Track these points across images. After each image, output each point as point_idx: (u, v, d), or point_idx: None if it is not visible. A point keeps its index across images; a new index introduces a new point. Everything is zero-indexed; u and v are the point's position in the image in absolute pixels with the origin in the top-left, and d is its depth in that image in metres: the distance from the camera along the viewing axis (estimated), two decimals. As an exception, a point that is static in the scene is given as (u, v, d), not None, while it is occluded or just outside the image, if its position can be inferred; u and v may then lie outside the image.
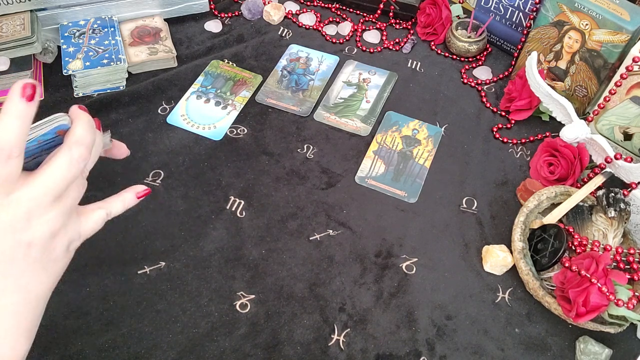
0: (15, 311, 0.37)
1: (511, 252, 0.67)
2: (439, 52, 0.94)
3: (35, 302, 0.38)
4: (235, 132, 0.81)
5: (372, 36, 0.96)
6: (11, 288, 0.37)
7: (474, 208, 0.74)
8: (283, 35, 0.96)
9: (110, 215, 0.44)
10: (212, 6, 0.98)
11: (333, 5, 1.01)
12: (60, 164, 0.37)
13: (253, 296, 0.65)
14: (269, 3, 0.98)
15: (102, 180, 0.72)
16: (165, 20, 0.94)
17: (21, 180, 0.35)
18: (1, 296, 0.36)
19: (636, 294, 0.60)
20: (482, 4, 0.91)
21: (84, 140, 0.38)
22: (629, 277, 0.62)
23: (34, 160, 0.38)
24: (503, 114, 0.85)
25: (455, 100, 0.87)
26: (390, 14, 0.98)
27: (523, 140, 0.82)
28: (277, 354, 0.60)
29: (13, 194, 0.35)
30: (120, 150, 0.47)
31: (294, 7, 1.00)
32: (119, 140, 0.46)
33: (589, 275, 0.58)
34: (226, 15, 0.98)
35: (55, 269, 0.39)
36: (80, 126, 0.38)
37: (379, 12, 0.98)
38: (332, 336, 0.62)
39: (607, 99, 0.73)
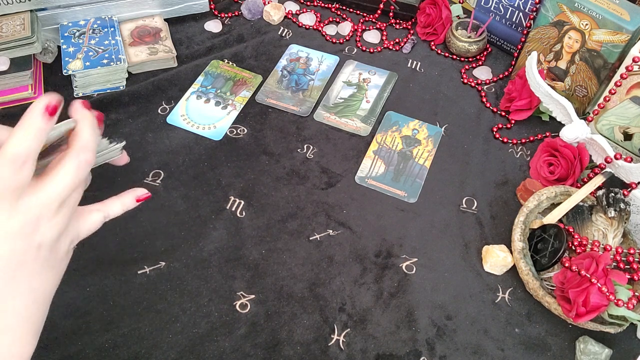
0: (25, 312, 0.38)
1: (511, 252, 0.67)
2: (439, 52, 0.94)
3: (43, 302, 0.40)
4: (235, 132, 0.81)
5: (372, 36, 0.96)
6: (22, 290, 0.38)
7: (474, 208, 0.74)
8: (283, 35, 0.96)
9: (108, 217, 0.45)
10: (212, 6, 0.98)
11: (333, 5, 1.01)
12: (68, 170, 0.38)
13: (253, 296, 0.65)
14: (269, 3, 0.98)
15: (102, 180, 0.71)
16: (165, 20, 0.94)
17: (31, 185, 0.36)
18: (13, 298, 0.37)
19: (636, 294, 0.60)
20: (482, 4, 0.91)
21: (90, 144, 0.39)
22: (629, 277, 0.62)
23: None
24: (503, 114, 0.85)
25: (455, 100, 0.87)
26: (390, 14, 0.98)
27: (523, 140, 0.82)
28: (277, 354, 0.60)
29: (24, 199, 0.36)
30: (121, 158, 0.49)
31: (294, 7, 1.00)
32: (122, 150, 0.48)
33: (589, 275, 0.58)
34: (226, 15, 0.98)
35: (60, 268, 0.41)
36: (86, 130, 0.40)
37: (379, 12, 0.98)
38: (332, 336, 0.62)
39: (607, 99, 0.73)
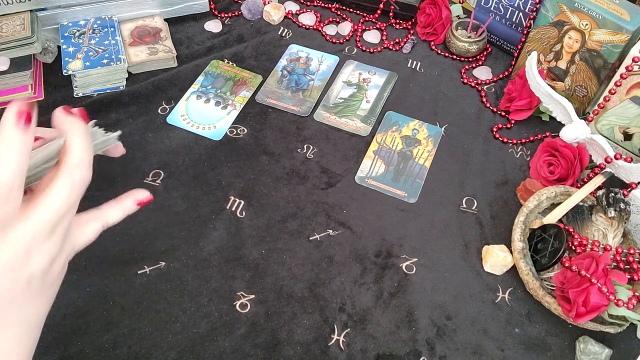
0: (17, 341, 0.36)
1: (511, 252, 0.67)
2: (439, 52, 0.94)
3: (36, 327, 0.38)
4: (235, 132, 0.81)
5: (372, 36, 0.96)
6: (12, 321, 0.35)
7: (474, 208, 0.74)
8: (283, 35, 0.96)
9: (107, 225, 0.41)
10: (212, 6, 0.98)
11: (333, 5, 1.01)
12: (60, 191, 0.34)
13: (253, 296, 0.65)
14: (269, 3, 0.98)
15: (101, 181, 0.72)
16: (165, 20, 0.94)
17: (20, 212, 0.33)
18: (3, 332, 0.35)
19: (636, 294, 0.60)
20: (482, 4, 0.91)
21: (84, 160, 0.35)
22: (629, 277, 0.62)
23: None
24: (503, 114, 0.85)
25: (455, 100, 0.87)
26: (390, 14, 0.98)
27: (523, 140, 0.82)
28: (277, 354, 0.60)
29: (12, 230, 0.32)
30: (117, 149, 0.44)
31: (294, 7, 1.00)
32: (119, 140, 0.46)
33: (589, 275, 0.58)
34: (226, 15, 0.98)
35: (53, 291, 0.38)
36: (78, 144, 0.35)
37: (379, 12, 0.98)
38: (332, 336, 0.62)
39: (607, 99, 0.73)
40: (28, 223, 0.33)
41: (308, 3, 1.01)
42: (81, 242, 0.39)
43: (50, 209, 0.33)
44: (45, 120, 0.46)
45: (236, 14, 0.99)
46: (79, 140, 0.35)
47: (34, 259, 0.34)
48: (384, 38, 0.96)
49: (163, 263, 0.67)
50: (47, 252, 0.34)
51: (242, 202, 0.73)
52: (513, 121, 0.84)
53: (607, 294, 0.57)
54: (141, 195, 0.43)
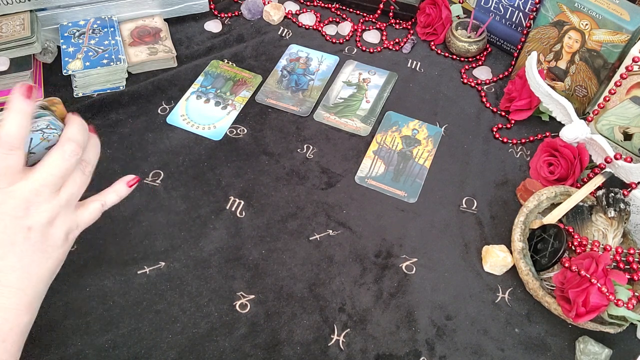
0: (17, 287, 0.41)
1: (511, 252, 0.67)
2: (438, 52, 0.94)
3: (36, 281, 0.43)
4: (235, 132, 0.81)
5: (372, 36, 0.96)
6: (13, 267, 0.41)
7: (473, 208, 0.74)
8: (283, 35, 0.96)
9: (105, 205, 0.49)
10: (212, 6, 0.98)
11: (333, 5, 1.01)
12: (54, 158, 0.42)
13: (253, 296, 0.65)
14: (268, 3, 0.98)
15: (102, 181, 0.71)
16: (165, 20, 0.94)
17: (23, 173, 0.41)
18: (4, 274, 0.40)
19: (636, 294, 0.60)
20: (482, 4, 0.91)
21: (75, 137, 0.44)
22: (628, 277, 0.62)
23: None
24: (503, 114, 0.85)
25: (455, 100, 0.87)
26: (390, 14, 0.98)
27: (523, 140, 0.82)
28: (277, 354, 0.60)
29: (14, 185, 0.40)
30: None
31: (294, 7, 1.00)
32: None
33: (588, 276, 0.58)
34: (226, 15, 0.98)
35: (54, 254, 0.44)
36: (72, 127, 0.44)
37: (379, 12, 0.98)
38: (332, 336, 0.62)
39: (607, 99, 0.73)
40: (28, 181, 0.41)
41: (308, 3, 1.01)
42: (84, 218, 0.46)
43: (46, 171, 0.42)
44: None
45: (236, 14, 0.99)
46: (74, 125, 0.44)
47: (33, 213, 0.41)
48: (383, 38, 0.96)
49: (163, 263, 0.67)
50: (45, 210, 0.42)
51: (242, 202, 0.73)
52: (513, 121, 0.84)
53: (607, 294, 0.57)
54: (129, 177, 0.51)
